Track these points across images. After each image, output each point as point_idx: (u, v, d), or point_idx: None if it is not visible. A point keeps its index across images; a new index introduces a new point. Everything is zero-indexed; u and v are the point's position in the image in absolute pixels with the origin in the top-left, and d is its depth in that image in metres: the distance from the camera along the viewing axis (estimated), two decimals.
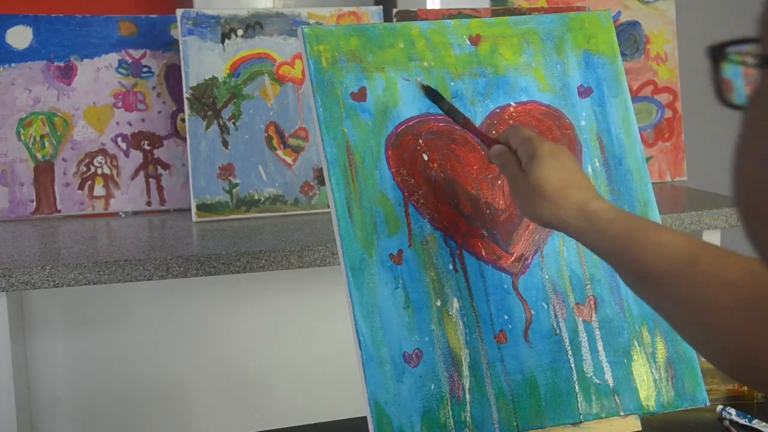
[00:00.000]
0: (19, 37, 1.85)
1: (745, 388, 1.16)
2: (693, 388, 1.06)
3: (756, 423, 1.08)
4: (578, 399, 1.02)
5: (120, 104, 1.90)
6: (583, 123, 1.11)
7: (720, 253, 0.77)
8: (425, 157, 1.05)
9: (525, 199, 0.90)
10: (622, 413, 1.04)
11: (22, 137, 1.84)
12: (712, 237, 1.84)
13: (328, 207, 1.04)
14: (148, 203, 1.91)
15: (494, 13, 1.95)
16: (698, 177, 2.20)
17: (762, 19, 0.47)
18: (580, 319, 1.05)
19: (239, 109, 1.86)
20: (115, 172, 1.89)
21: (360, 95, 1.04)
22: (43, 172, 1.85)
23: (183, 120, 1.88)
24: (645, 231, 0.83)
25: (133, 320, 1.76)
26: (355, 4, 2.01)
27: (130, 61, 1.91)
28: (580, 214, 0.86)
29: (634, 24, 2.12)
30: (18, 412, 1.56)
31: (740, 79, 0.49)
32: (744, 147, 0.48)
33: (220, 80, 1.86)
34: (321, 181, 1.89)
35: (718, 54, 0.49)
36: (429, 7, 4.05)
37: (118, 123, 1.89)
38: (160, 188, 1.91)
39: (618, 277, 1.07)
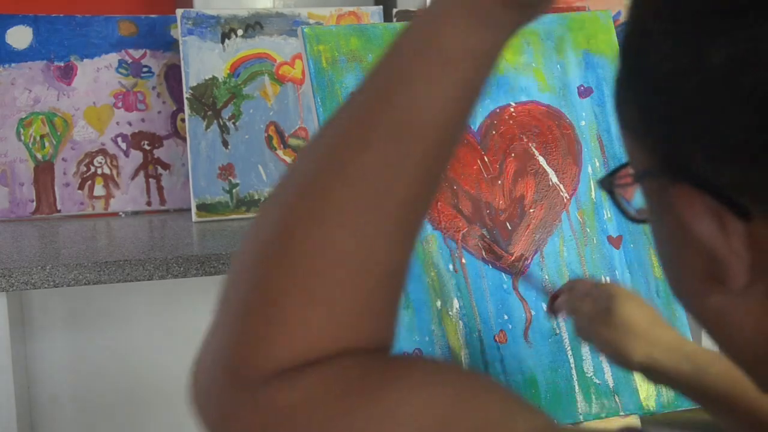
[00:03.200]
0: (19, 37, 1.85)
1: None
2: None
3: None
4: (578, 399, 1.02)
5: (120, 104, 1.90)
6: (583, 123, 1.11)
7: None
8: None
9: (611, 341, 0.84)
10: (622, 413, 1.04)
11: (22, 137, 1.84)
12: None
13: None
14: (148, 203, 1.91)
15: None
16: None
17: (624, 147, 0.51)
18: None
19: (239, 109, 1.86)
20: (115, 172, 1.89)
21: None
22: (43, 172, 1.85)
23: (183, 120, 1.88)
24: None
25: (133, 320, 1.76)
26: (355, 4, 2.01)
27: (130, 61, 1.91)
28: (677, 354, 0.81)
29: None
30: (18, 412, 1.56)
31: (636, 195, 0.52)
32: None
33: (220, 80, 1.86)
34: None
35: (607, 185, 0.52)
36: None
37: (118, 123, 1.89)
38: (160, 188, 1.91)
39: (618, 277, 1.07)
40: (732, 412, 0.77)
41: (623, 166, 0.51)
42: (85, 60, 1.88)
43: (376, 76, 0.50)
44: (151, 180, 1.90)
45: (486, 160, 1.07)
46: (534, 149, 1.09)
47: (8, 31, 1.84)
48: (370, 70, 0.50)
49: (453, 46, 0.48)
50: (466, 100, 0.49)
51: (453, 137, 0.50)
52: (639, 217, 0.52)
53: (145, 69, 1.92)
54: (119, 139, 1.89)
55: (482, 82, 0.50)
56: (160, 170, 1.91)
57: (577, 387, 1.03)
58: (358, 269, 0.48)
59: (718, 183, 0.43)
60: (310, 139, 0.52)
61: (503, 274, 1.04)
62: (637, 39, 0.47)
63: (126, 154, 1.90)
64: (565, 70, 1.12)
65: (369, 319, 0.49)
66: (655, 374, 0.82)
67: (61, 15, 1.88)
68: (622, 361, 0.84)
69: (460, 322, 1.01)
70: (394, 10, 1.91)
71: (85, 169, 1.87)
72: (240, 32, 1.88)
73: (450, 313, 1.01)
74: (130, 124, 1.90)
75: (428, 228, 1.03)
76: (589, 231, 1.07)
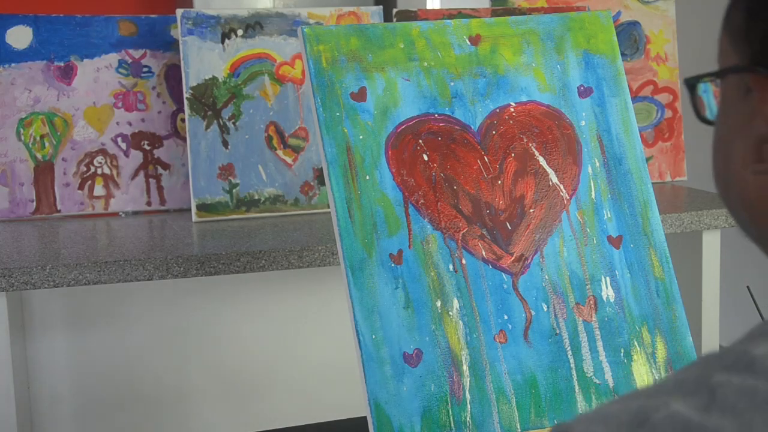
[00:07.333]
0: (19, 37, 1.85)
1: None
2: None
3: None
4: (578, 399, 1.03)
5: (120, 104, 1.90)
6: (583, 123, 1.11)
7: None
8: (425, 157, 1.05)
9: None
10: None
11: (22, 137, 1.84)
12: (712, 237, 1.84)
13: (328, 207, 1.04)
14: (148, 203, 1.91)
15: (494, 13, 1.95)
16: (698, 177, 2.20)
17: (719, 46, 0.59)
18: (580, 319, 1.05)
19: (239, 109, 1.86)
20: (115, 172, 1.89)
21: (360, 95, 1.04)
22: (43, 172, 1.85)
23: (183, 120, 1.88)
24: None
25: (133, 320, 1.76)
26: (355, 4, 2.01)
27: (130, 61, 1.91)
28: None
29: (634, 24, 2.12)
30: (18, 412, 1.56)
31: (711, 99, 0.62)
32: (713, 149, 0.61)
33: (220, 80, 1.86)
34: (321, 181, 1.89)
35: (692, 82, 0.61)
36: (429, 7, 4.05)
37: (118, 123, 1.89)
38: (160, 188, 1.91)
39: (618, 278, 1.07)
40: None
41: (708, 74, 0.60)
42: (85, 60, 1.88)
43: None
44: (151, 180, 1.90)
45: (486, 160, 1.07)
46: (534, 149, 1.09)
47: (8, 31, 1.84)
48: None
49: None
50: None
51: None
52: (706, 117, 0.61)
53: (145, 69, 1.92)
54: (119, 139, 1.89)
55: None
56: (160, 170, 1.91)
57: (577, 387, 1.03)
58: None
59: None
60: None
61: (503, 274, 1.04)
62: None
63: (126, 154, 1.90)
64: (565, 70, 1.12)
65: None
66: None
67: (61, 15, 1.88)
68: None
69: (460, 322, 1.01)
70: (394, 10, 1.91)
71: (85, 169, 1.87)
72: (240, 32, 1.88)
73: (450, 313, 1.01)
74: (130, 124, 1.90)
75: (428, 228, 1.03)
76: (589, 231, 1.07)
